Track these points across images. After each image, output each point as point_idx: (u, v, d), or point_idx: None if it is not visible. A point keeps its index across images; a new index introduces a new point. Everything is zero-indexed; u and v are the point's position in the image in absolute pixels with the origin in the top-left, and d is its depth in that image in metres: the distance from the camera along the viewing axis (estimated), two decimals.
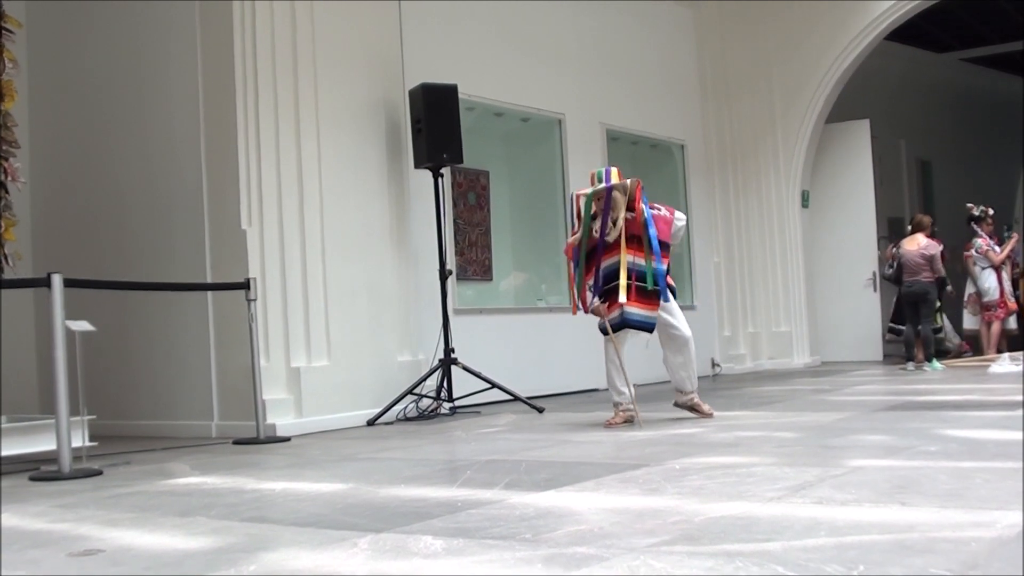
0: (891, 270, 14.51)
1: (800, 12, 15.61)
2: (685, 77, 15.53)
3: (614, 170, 8.27)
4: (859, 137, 16.30)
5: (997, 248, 15.46)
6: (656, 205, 8.31)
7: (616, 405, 8.31)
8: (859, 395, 10.13)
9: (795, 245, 15.80)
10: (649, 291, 8.00)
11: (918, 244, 13.88)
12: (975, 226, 15.62)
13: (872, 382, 11.84)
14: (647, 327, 8.09)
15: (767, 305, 15.90)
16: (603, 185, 8.15)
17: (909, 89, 20.09)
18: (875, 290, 15.85)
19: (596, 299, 8.23)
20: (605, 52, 13.75)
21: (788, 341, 15.76)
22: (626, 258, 8.00)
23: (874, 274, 15.76)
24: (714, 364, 14.87)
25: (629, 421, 8.16)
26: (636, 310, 8.02)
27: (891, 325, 15.43)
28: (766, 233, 15.91)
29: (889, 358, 15.77)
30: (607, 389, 8.57)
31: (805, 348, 15.72)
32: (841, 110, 16.09)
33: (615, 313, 8.09)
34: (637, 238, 8.06)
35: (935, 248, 13.86)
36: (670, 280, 8.19)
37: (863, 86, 16.80)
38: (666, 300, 8.10)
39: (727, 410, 9.03)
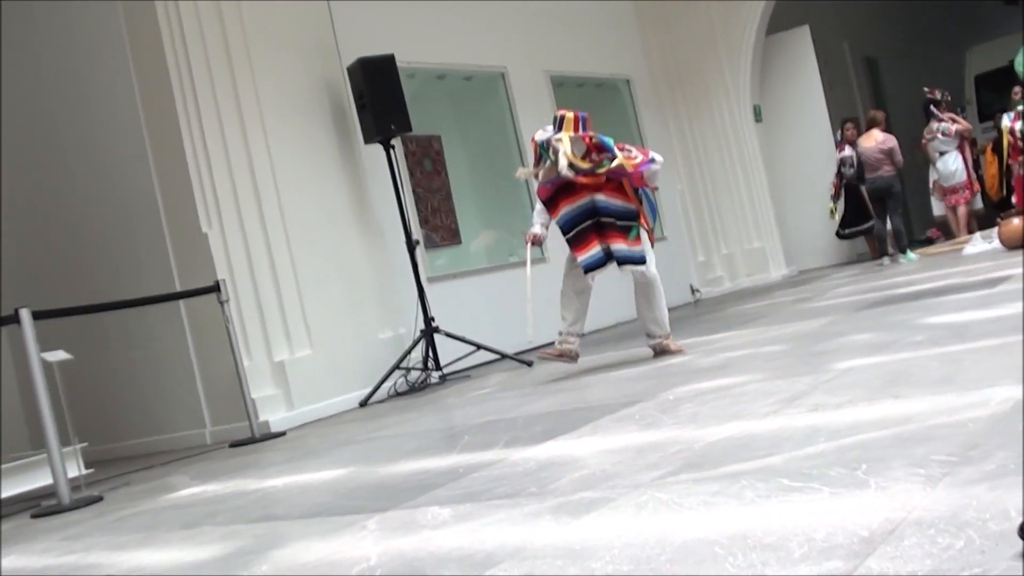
0: (851, 169, 14.51)
1: None
2: (620, 11, 15.48)
3: (567, 115, 7.97)
4: (802, 44, 16.30)
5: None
6: (627, 147, 8.11)
7: (560, 334, 8.12)
8: (839, 298, 10.16)
9: (755, 161, 15.79)
10: (622, 227, 7.87)
11: (875, 140, 13.91)
12: (935, 110, 15.60)
13: (851, 283, 11.87)
14: (638, 260, 7.88)
15: (737, 224, 15.92)
16: (550, 134, 7.93)
17: None
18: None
19: (540, 228, 8.18)
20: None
21: (763, 256, 15.79)
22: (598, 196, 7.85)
23: (834, 180, 15.75)
24: (693, 290, 14.90)
25: (564, 356, 8.05)
26: (623, 246, 7.84)
27: (839, 231, 15.43)
28: (724, 154, 15.90)
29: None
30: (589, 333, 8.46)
31: (780, 260, 15.75)
32: (781, 20, 16.07)
33: (594, 251, 7.87)
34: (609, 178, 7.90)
35: (892, 141, 13.89)
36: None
37: None
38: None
39: (712, 333, 9.05)
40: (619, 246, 7.83)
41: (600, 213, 7.86)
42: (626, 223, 7.88)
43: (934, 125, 15.45)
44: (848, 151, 14.55)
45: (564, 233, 7.99)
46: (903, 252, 13.70)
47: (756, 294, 13.42)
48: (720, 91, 15.87)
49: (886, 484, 2.95)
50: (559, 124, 7.89)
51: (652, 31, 15.87)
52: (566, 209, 7.93)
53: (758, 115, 15.92)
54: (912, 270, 11.99)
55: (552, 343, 8.22)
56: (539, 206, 8.25)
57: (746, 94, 15.82)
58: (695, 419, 4.72)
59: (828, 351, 6.27)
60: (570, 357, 8.05)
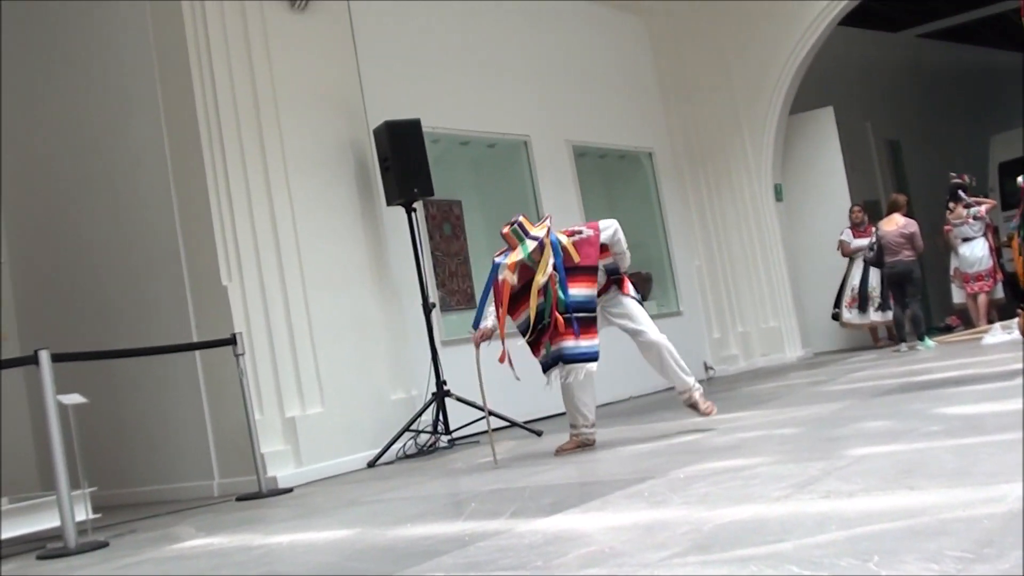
0: (871, 253, 14.52)
1: (750, 7, 15.64)
2: (645, 85, 15.58)
3: (522, 218, 7.81)
4: (825, 124, 16.36)
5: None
6: (577, 229, 7.90)
7: (573, 428, 7.91)
8: (855, 382, 10.13)
9: (774, 239, 15.80)
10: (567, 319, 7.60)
11: (896, 224, 13.90)
12: (963, 194, 15.56)
13: (867, 368, 11.84)
14: (592, 358, 7.69)
15: (753, 302, 15.89)
16: (527, 245, 7.67)
17: (870, 71, 20.16)
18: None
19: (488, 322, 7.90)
20: (563, 70, 13.78)
21: (778, 336, 15.75)
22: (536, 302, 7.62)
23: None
24: (707, 367, 14.87)
25: (584, 445, 7.79)
26: (572, 343, 7.62)
27: (834, 311, 15.49)
28: (743, 231, 15.91)
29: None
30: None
31: (796, 341, 15.71)
32: (804, 100, 16.14)
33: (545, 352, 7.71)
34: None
35: (914, 226, 13.88)
36: (628, 289, 8.21)
37: (823, 74, 16.84)
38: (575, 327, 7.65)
39: (725, 412, 9.01)
40: (567, 343, 7.62)
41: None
42: (586, 315, 7.73)
43: (963, 211, 15.39)
44: (847, 234, 14.68)
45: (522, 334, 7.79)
46: (921, 339, 13.67)
47: (771, 374, 13.39)
48: (742, 168, 15.91)
49: None
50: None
51: (675, 105, 15.95)
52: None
53: (779, 194, 15.95)
54: (929, 357, 11.96)
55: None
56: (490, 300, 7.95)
57: (768, 172, 15.86)
58: (705, 499, 4.70)
59: (842, 437, 6.24)
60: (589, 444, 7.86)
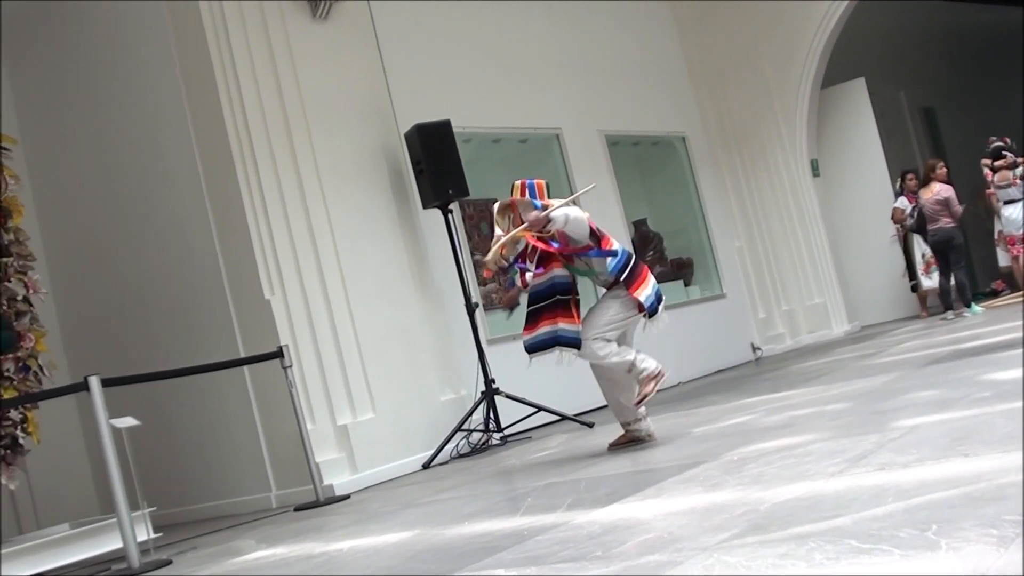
0: (911, 220, 14.45)
1: None
2: (674, 69, 15.54)
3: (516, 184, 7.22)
4: (858, 96, 16.27)
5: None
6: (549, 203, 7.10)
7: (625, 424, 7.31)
8: (904, 353, 10.08)
9: (813, 215, 15.73)
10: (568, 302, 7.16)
11: (932, 191, 13.84)
12: (1008, 156, 15.39)
13: (915, 338, 11.78)
14: (576, 343, 7.06)
15: (797, 280, 15.82)
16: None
17: (901, 39, 19.99)
18: (900, 245, 15.72)
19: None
20: (591, 60, 13.76)
21: (824, 312, 15.68)
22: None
23: (897, 229, 15.61)
24: (754, 348, 14.82)
25: (635, 440, 7.23)
26: (567, 325, 7.12)
27: (912, 281, 15.43)
28: (782, 209, 15.85)
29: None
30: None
31: (842, 316, 15.64)
32: (835, 73, 16.04)
33: (542, 331, 7.23)
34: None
35: (947, 191, 13.79)
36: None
37: (853, 45, 16.70)
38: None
39: (774, 392, 9.00)
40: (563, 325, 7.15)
41: (556, 290, 7.21)
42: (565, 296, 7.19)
43: (1008, 173, 15.20)
44: (901, 202, 14.54)
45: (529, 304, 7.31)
46: (967, 305, 13.58)
47: (818, 351, 13.34)
48: (777, 146, 15.84)
49: (957, 545, 2.92)
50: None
51: (706, 88, 15.90)
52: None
53: (816, 169, 15.87)
54: (977, 323, 11.88)
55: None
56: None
57: (803, 148, 15.78)
58: (760, 480, 4.70)
59: (894, 408, 6.22)
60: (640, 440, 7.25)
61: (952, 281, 13.77)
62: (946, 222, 13.70)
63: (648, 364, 6.99)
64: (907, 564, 2.87)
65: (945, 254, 13.77)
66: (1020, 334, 9.11)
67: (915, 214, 14.35)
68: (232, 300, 9.56)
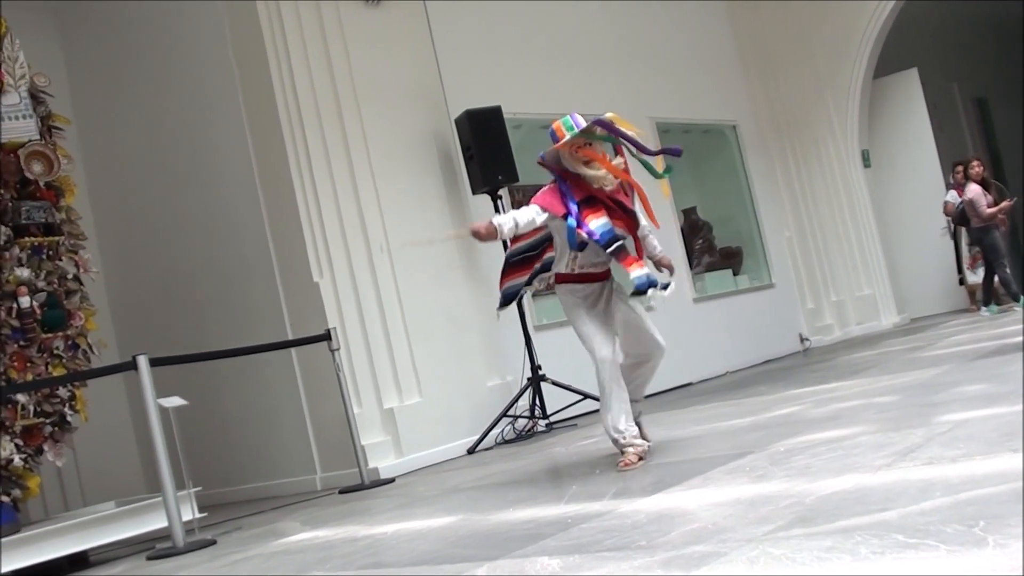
0: (956, 212, 14.34)
1: None
2: (725, 57, 15.46)
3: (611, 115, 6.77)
4: (910, 87, 16.12)
5: None
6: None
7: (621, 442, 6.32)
8: (953, 347, 9.99)
9: (864, 206, 15.62)
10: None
11: (968, 190, 13.77)
12: None
13: (964, 331, 11.67)
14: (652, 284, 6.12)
15: (846, 271, 15.72)
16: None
17: (954, 30, 19.79)
18: (951, 238, 15.57)
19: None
20: (643, 47, 13.71)
21: (873, 304, 15.57)
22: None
23: (948, 222, 15.47)
24: (802, 339, 14.76)
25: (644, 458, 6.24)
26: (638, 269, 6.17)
27: (959, 275, 15.28)
28: (833, 199, 15.74)
29: None
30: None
31: (891, 308, 15.53)
32: (888, 63, 15.91)
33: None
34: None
35: (971, 192, 13.66)
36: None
37: (906, 36, 16.56)
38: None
39: (822, 383, 8.95)
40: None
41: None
42: None
43: None
44: (952, 195, 14.39)
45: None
46: (986, 304, 13.52)
47: (867, 343, 13.25)
48: (828, 136, 15.74)
49: (1005, 542, 2.89)
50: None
51: (758, 76, 15.82)
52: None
53: (867, 160, 15.75)
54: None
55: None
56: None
57: (854, 139, 15.67)
58: (807, 471, 4.67)
59: (943, 402, 6.17)
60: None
61: (997, 279, 13.65)
62: (975, 222, 13.60)
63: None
64: (954, 560, 2.85)
65: (983, 252, 13.69)
66: None
67: (957, 207, 14.22)
68: (281, 282, 9.61)
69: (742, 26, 15.77)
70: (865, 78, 15.55)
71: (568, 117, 6.55)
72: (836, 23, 15.50)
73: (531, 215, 6.35)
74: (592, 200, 6.39)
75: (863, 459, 4.67)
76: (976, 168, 14.00)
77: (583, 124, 6.49)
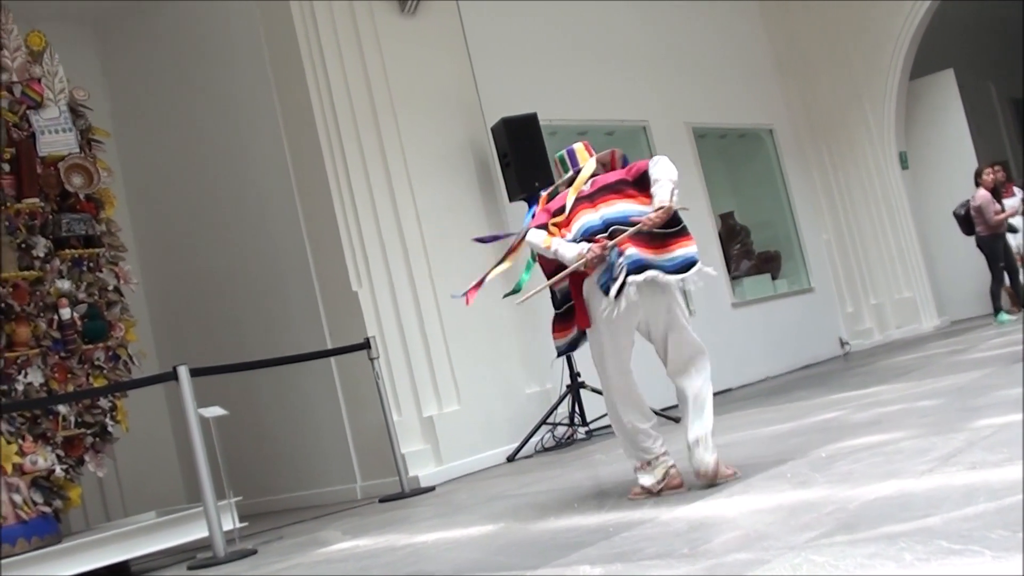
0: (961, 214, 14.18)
1: None
2: (760, 61, 15.41)
3: (579, 146, 6.19)
4: (946, 88, 16.02)
5: None
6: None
7: (646, 459, 5.66)
8: (995, 349, 9.92)
9: (902, 208, 15.53)
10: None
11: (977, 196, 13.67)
12: None
13: (1006, 334, 11.58)
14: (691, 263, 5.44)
15: (885, 274, 15.63)
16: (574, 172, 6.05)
17: (990, 30, 19.65)
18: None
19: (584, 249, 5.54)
20: (677, 52, 13.68)
21: (913, 306, 15.47)
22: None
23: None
24: (842, 343, 14.68)
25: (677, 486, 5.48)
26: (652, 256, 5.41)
27: None
28: (871, 202, 15.66)
29: None
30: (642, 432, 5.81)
31: (932, 311, 15.42)
32: (923, 64, 15.82)
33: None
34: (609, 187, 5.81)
35: (979, 199, 13.54)
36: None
37: (942, 36, 16.45)
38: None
39: (863, 388, 8.90)
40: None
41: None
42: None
43: None
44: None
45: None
46: (996, 312, 13.42)
47: (907, 346, 13.17)
48: (864, 138, 15.66)
49: None
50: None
51: (793, 79, 15.75)
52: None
53: (904, 162, 15.67)
54: None
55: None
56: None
57: (891, 141, 15.58)
58: (849, 478, 4.65)
59: (985, 406, 6.12)
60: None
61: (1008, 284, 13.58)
62: (980, 230, 13.50)
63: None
64: (999, 565, 2.83)
65: (988, 260, 13.59)
66: None
67: (961, 211, 14.06)
68: (320, 291, 9.64)
69: (777, 29, 15.72)
70: (901, 80, 15.47)
71: (564, 153, 6.19)
72: (871, 25, 15.43)
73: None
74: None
75: (906, 464, 4.65)
76: (989, 175, 13.85)
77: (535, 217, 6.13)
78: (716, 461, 5.33)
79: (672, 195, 5.46)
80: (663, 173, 5.57)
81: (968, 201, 13.89)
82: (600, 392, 9.47)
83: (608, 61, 12.60)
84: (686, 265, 5.43)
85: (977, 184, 14.07)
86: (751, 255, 14.55)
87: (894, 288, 15.60)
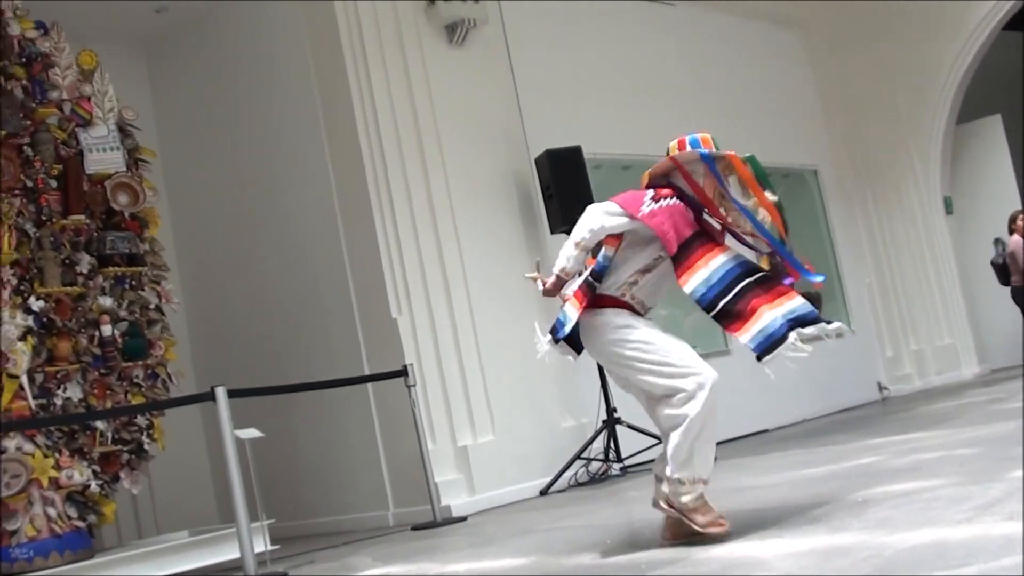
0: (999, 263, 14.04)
1: (911, 16, 15.31)
2: (806, 101, 15.37)
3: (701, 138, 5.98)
4: (993, 133, 15.94)
5: None
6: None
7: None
8: None
9: (945, 254, 15.43)
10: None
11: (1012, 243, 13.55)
12: None
13: None
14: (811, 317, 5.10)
15: (927, 319, 15.52)
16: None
17: None
18: None
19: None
20: (723, 88, 13.66)
21: (954, 353, 15.35)
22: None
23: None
24: (881, 388, 14.57)
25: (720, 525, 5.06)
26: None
27: None
28: (914, 246, 15.58)
29: None
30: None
31: (972, 358, 15.30)
32: (970, 109, 15.75)
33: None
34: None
35: (1014, 244, 13.43)
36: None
37: (989, 81, 16.39)
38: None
39: (901, 433, 8.83)
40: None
41: None
42: None
43: None
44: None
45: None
46: None
47: (947, 393, 13.06)
48: (909, 182, 15.58)
49: None
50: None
51: (839, 120, 15.70)
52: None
53: (949, 207, 15.59)
54: None
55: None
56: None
57: (936, 185, 15.51)
58: (885, 523, 4.61)
59: None
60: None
61: None
62: (1016, 279, 13.38)
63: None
64: None
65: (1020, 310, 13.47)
66: None
67: (997, 260, 13.95)
68: (359, 317, 9.67)
69: (823, 70, 15.68)
70: (948, 124, 15.40)
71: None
72: (919, 68, 15.37)
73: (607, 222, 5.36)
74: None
75: (943, 512, 4.60)
76: (1021, 221, 13.73)
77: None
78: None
79: (559, 265, 5.34)
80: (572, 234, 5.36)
81: (1000, 252, 13.80)
82: (637, 429, 9.49)
83: (654, 96, 12.60)
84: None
85: (1011, 231, 13.97)
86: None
87: (935, 334, 15.49)
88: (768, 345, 5.00)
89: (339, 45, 9.67)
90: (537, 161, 10.29)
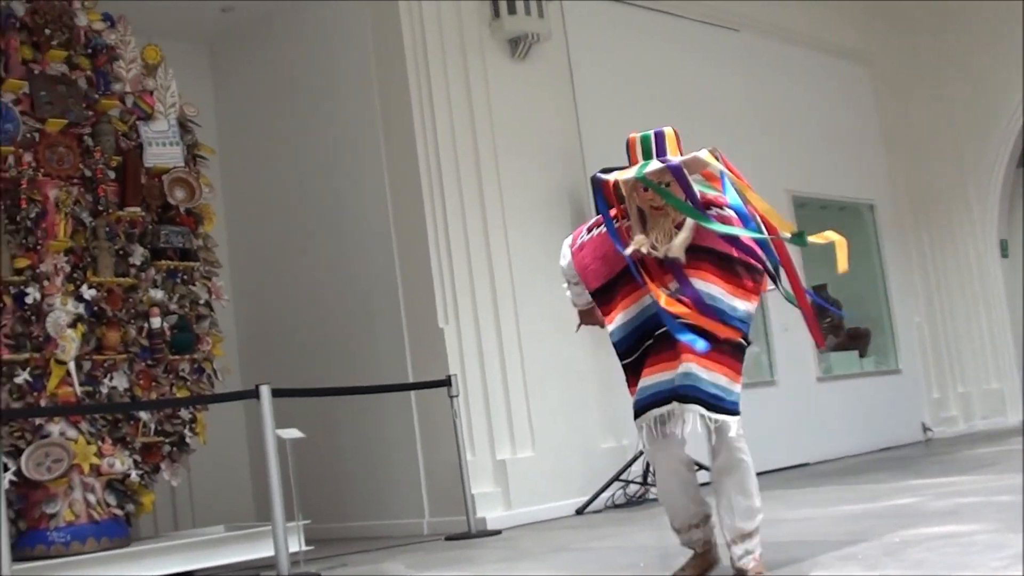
0: None
1: (978, 54, 15.21)
2: (868, 135, 15.27)
3: (668, 130, 5.30)
4: None
5: None
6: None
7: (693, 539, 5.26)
8: None
9: (998, 297, 15.28)
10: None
11: None
12: None
13: None
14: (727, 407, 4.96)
15: (975, 362, 15.37)
16: (658, 163, 5.08)
17: None
18: None
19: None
20: (783, 119, 13.59)
21: (1000, 399, 15.18)
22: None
23: None
24: (925, 428, 14.45)
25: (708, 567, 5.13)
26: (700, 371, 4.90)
27: None
28: (967, 287, 15.43)
29: None
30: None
31: (1019, 404, 15.14)
32: None
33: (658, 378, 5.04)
34: (708, 251, 4.99)
35: None
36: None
37: None
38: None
39: (942, 476, 8.76)
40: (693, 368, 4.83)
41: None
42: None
43: None
44: None
45: (621, 356, 5.18)
46: None
47: (991, 438, 12.93)
48: (966, 222, 15.45)
49: None
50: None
51: (899, 156, 15.59)
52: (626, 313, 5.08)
53: (1005, 250, 15.44)
54: None
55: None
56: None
57: (993, 228, 15.36)
58: (921, 565, 4.58)
59: None
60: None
61: None
62: None
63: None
64: None
65: None
66: None
67: None
68: (406, 325, 9.71)
69: (887, 105, 15.57)
70: (1008, 166, 15.26)
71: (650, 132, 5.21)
72: (982, 108, 15.23)
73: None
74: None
75: (980, 558, 4.57)
76: None
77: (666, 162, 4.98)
78: None
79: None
80: None
81: None
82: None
83: (712, 121, 12.53)
84: None
85: None
86: (840, 330, 14.39)
87: (983, 378, 15.34)
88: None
89: (402, 50, 9.72)
90: (593, 179, 10.27)
